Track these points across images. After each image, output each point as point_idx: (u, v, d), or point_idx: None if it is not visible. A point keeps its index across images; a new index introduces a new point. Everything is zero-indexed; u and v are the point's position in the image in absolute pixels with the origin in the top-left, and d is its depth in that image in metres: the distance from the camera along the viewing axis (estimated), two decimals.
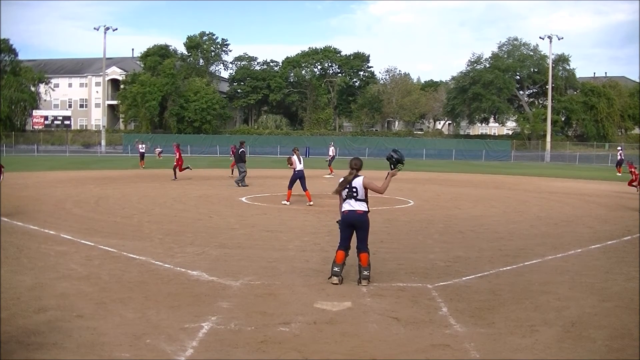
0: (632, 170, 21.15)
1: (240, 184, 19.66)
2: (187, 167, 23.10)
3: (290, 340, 5.00)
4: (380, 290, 6.66)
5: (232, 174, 24.21)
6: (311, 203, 14.86)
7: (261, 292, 6.50)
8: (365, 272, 6.87)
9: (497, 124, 77.02)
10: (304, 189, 15.13)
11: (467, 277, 7.34)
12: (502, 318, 5.70)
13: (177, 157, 22.31)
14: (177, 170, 22.20)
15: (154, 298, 6.19)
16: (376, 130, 76.09)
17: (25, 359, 4.48)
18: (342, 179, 7.06)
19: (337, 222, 7.27)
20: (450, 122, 77.37)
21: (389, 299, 6.30)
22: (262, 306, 5.96)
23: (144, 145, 34.05)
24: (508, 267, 7.98)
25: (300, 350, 4.77)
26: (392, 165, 7.17)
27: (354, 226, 6.94)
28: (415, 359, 4.66)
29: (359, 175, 6.97)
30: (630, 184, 20.91)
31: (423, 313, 5.83)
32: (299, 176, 15.17)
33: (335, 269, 6.94)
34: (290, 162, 15.51)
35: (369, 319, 5.61)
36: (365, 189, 6.96)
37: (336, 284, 6.88)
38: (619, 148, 36.67)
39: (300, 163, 15.31)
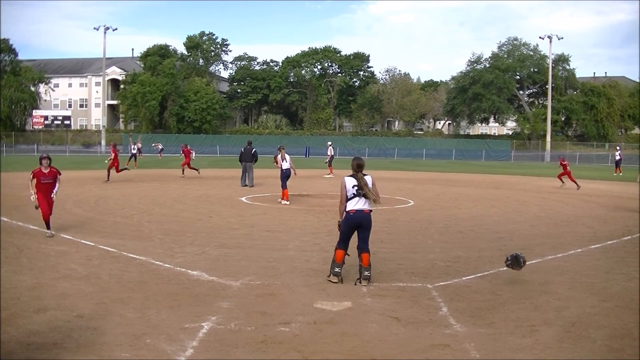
0: (563, 164, 22.44)
1: (249, 185, 19.63)
2: (125, 168, 22.12)
3: (290, 340, 5.00)
4: (380, 290, 6.66)
5: (182, 174, 23.64)
6: (280, 201, 15.23)
7: (261, 292, 6.50)
8: (367, 273, 6.87)
9: (497, 124, 77.06)
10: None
11: (467, 277, 7.34)
12: (502, 318, 5.70)
13: (113, 157, 21.34)
14: (110, 171, 21.19)
15: (154, 298, 6.19)
16: (376, 130, 76.12)
17: (25, 358, 4.48)
18: (348, 180, 6.95)
19: (339, 222, 7.18)
20: (450, 122, 77.43)
21: (389, 299, 6.31)
22: (262, 306, 5.96)
23: (135, 146, 33.06)
24: None
25: (300, 350, 4.77)
26: (510, 259, 7.03)
27: (359, 226, 6.92)
28: (415, 359, 4.66)
29: (365, 174, 7.00)
30: (560, 176, 22.46)
31: (423, 313, 5.83)
32: (286, 174, 15.51)
33: (337, 269, 6.93)
34: (275, 161, 15.83)
35: (369, 319, 5.61)
36: None
37: (336, 282, 6.89)
38: (618, 148, 36.73)
39: (285, 161, 15.60)
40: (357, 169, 6.95)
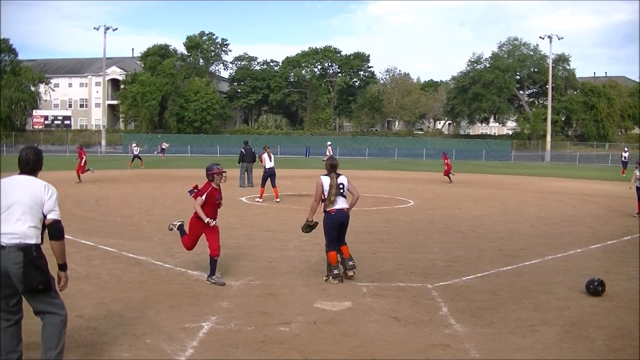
0: (446, 161, 23.58)
1: (249, 185, 19.60)
2: None
3: (290, 340, 5.00)
4: (380, 290, 6.67)
5: (79, 180, 20.36)
6: (278, 200, 15.45)
7: (261, 292, 6.50)
8: (350, 262, 6.99)
9: (497, 124, 77.01)
10: (273, 185, 15.77)
11: (467, 277, 7.35)
12: (502, 318, 5.70)
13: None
14: None
15: (154, 298, 6.19)
16: (376, 130, 76.04)
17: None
18: (324, 179, 6.98)
19: (311, 223, 7.24)
20: (450, 122, 77.37)
21: (389, 299, 6.31)
22: (262, 306, 5.97)
23: (136, 147, 33.06)
24: (508, 267, 7.98)
25: (300, 350, 4.77)
26: (592, 286, 6.70)
27: (341, 224, 7.03)
28: (415, 359, 4.66)
29: (340, 174, 7.08)
30: (445, 174, 23.66)
31: (423, 313, 5.83)
32: (269, 174, 15.79)
33: (335, 271, 6.97)
34: (261, 160, 16.18)
35: (369, 319, 5.61)
36: None
37: (336, 283, 6.90)
38: (626, 149, 36.68)
39: (270, 161, 15.96)
40: (331, 169, 7.04)
